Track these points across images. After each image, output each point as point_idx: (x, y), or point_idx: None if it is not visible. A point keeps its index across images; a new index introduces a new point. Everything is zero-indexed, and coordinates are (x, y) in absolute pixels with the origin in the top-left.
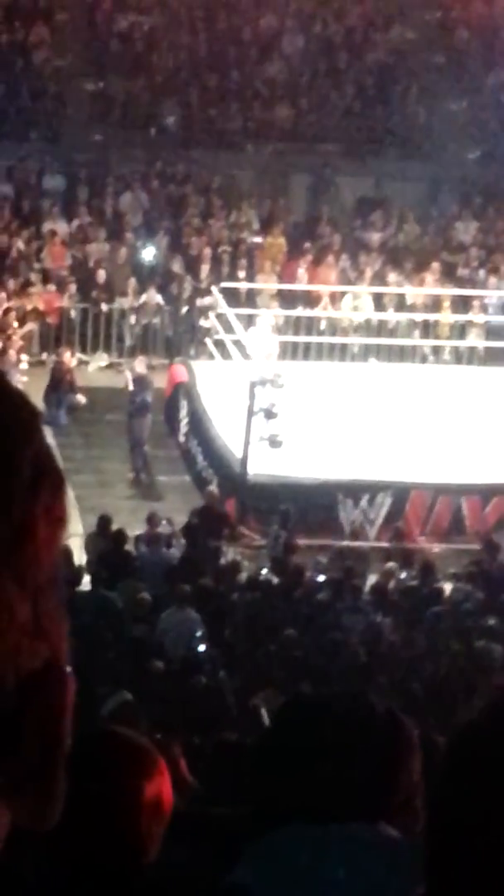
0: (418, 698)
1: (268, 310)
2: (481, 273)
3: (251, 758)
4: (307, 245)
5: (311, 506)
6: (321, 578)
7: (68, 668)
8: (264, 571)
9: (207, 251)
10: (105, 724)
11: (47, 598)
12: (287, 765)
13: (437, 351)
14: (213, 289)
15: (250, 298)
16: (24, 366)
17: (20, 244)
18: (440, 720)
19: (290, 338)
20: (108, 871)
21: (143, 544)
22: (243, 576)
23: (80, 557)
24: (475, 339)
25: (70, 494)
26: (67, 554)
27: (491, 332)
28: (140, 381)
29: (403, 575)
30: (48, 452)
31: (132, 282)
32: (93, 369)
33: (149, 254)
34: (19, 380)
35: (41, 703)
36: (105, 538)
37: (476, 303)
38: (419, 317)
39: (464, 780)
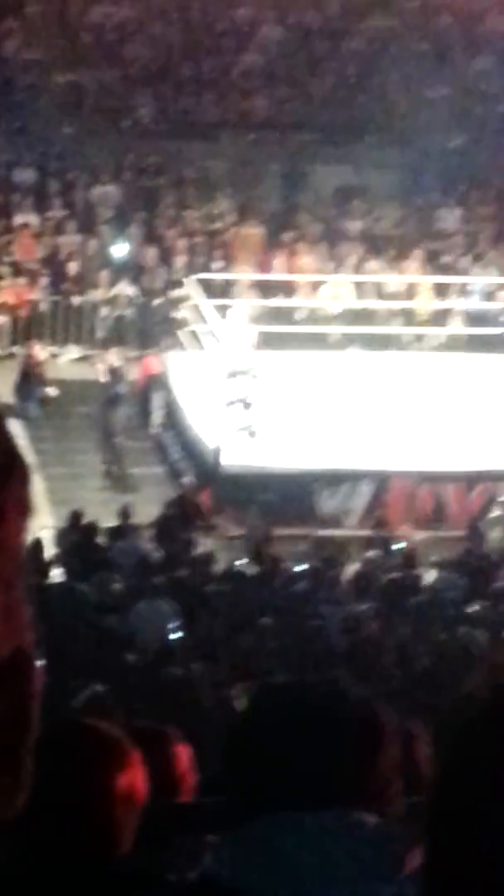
0: (400, 687)
1: (245, 300)
2: (464, 261)
3: (225, 747)
4: (285, 235)
5: (289, 495)
6: (299, 568)
7: (35, 657)
8: (238, 563)
9: (181, 242)
10: (77, 715)
11: (16, 586)
12: (261, 753)
13: (418, 338)
14: (186, 280)
15: (226, 289)
16: None
17: None
18: (423, 709)
19: (269, 327)
20: (80, 863)
21: (116, 536)
22: (219, 567)
23: (50, 550)
24: (456, 327)
25: (41, 487)
26: (38, 546)
27: (473, 319)
28: (113, 372)
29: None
30: (14, 444)
31: (104, 274)
32: (64, 362)
33: (121, 246)
34: None
35: (10, 689)
36: (76, 532)
37: (455, 289)
38: (399, 305)
39: (469, 760)
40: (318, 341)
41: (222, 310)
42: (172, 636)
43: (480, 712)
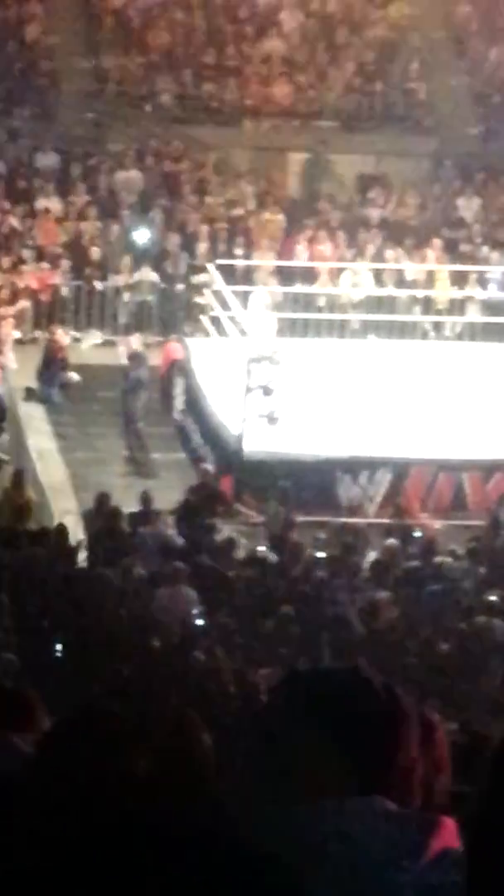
0: (419, 674)
1: (265, 286)
2: (484, 249)
3: (248, 733)
4: (305, 222)
5: (309, 482)
6: (320, 555)
7: None
8: (261, 549)
9: (203, 228)
10: (102, 699)
11: None
12: (284, 740)
13: (437, 327)
14: (209, 265)
15: (247, 275)
16: (13, 343)
17: (13, 221)
18: (442, 696)
19: (289, 314)
20: (99, 848)
21: (138, 522)
22: (240, 553)
23: (75, 535)
24: (475, 315)
25: (64, 472)
26: (63, 531)
27: (491, 307)
28: (135, 357)
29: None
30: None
31: (126, 259)
32: (86, 347)
33: (143, 232)
34: (11, 358)
35: None
36: (102, 516)
37: (473, 278)
38: (419, 293)
39: None
40: (338, 329)
41: (243, 296)
42: (196, 622)
43: None
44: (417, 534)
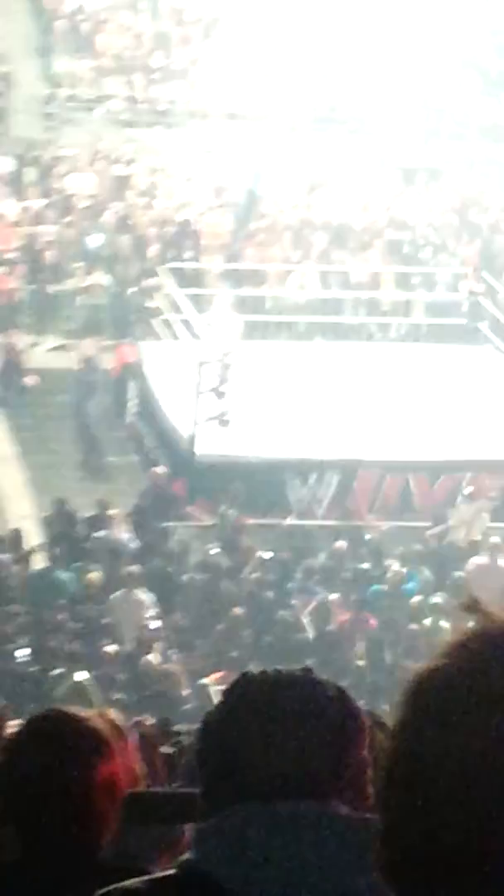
0: (369, 676)
1: (215, 289)
2: (427, 251)
3: (200, 736)
4: (252, 225)
5: (260, 485)
6: (267, 556)
7: None
8: (213, 551)
9: (153, 231)
10: (60, 704)
11: None
12: (236, 743)
13: (382, 328)
14: (160, 269)
15: (197, 278)
16: None
17: None
18: (392, 698)
19: (238, 316)
20: (62, 853)
21: (93, 526)
22: (193, 556)
23: (31, 539)
24: (419, 317)
25: (22, 476)
26: (17, 535)
27: (436, 309)
28: (88, 362)
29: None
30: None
31: (80, 263)
32: (42, 351)
33: (96, 236)
34: None
35: None
36: (60, 520)
37: (416, 280)
38: (364, 294)
39: (423, 723)
40: (286, 331)
41: (194, 299)
42: (151, 626)
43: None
44: (368, 536)
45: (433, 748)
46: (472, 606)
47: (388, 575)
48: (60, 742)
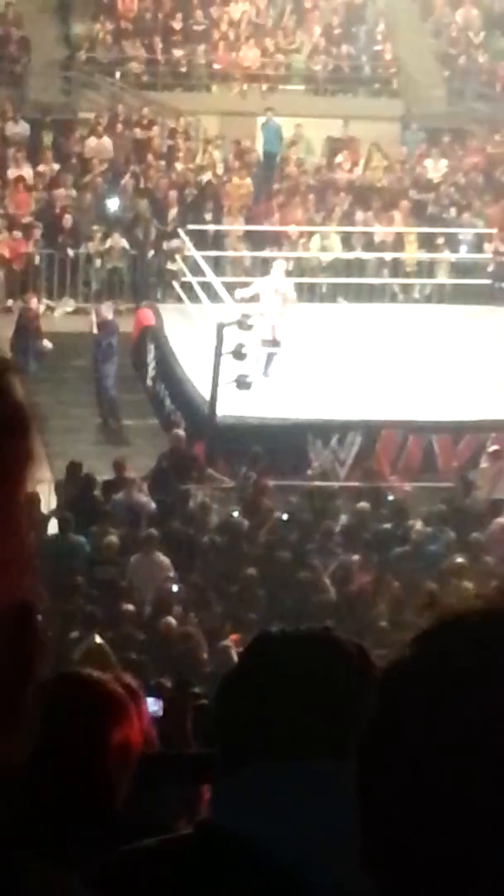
0: (390, 637)
1: (235, 251)
2: (452, 211)
3: (218, 695)
4: (274, 186)
5: (281, 447)
6: (285, 517)
7: (38, 609)
8: (235, 513)
9: (173, 194)
10: (76, 666)
11: (21, 538)
12: (254, 702)
13: (406, 289)
14: (180, 231)
15: (217, 240)
16: None
17: None
18: None
19: (259, 279)
20: (75, 815)
21: (111, 489)
22: (213, 518)
23: (48, 503)
24: (443, 277)
25: (38, 440)
26: (35, 499)
27: (460, 269)
28: (105, 325)
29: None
30: (18, 395)
31: (98, 226)
32: (59, 315)
33: (114, 199)
34: None
35: (12, 640)
36: (74, 484)
37: (440, 241)
38: (388, 256)
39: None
40: (308, 292)
41: (214, 261)
42: (172, 588)
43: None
44: (390, 497)
45: (401, 741)
46: (430, 604)
47: (412, 536)
48: (72, 705)
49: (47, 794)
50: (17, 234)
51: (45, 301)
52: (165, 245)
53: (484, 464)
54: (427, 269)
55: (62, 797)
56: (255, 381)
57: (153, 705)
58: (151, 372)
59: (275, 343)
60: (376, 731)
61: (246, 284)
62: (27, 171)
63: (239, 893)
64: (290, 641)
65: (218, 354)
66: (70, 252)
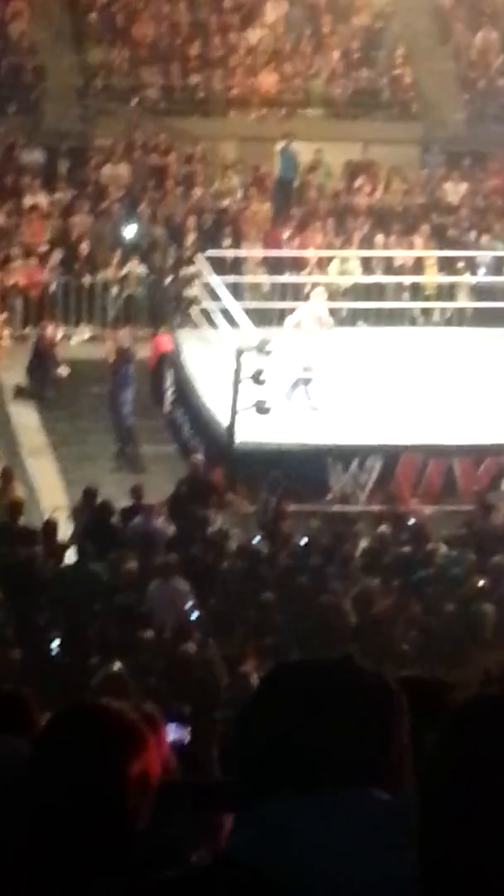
0: (410, 661)
1: (254, 276)
2: (472, 234)
3: (238, 725)
4: (293, 211)
5: (301, 471)
6: (305, 542)
7: None
8: (257, 539)
9: (191, 220)
10: (94, 694)
11: None
12: (275, 733)
13: (426, 313)
14: (198, 257)
15: (236, 266)
16: (6, 342)
17: (0, 219)
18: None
19: (278, 304)
20: (95, 846)
21: (129, 515)
22: (233, 544)
23: (65, 531)
24: (464, 301)
25: (55, 467)
26: (52, 527)
27: (480, 292)
28: (122, 353)
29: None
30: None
31: (116, 253)
32: (76, 342)
33: (132, 226)
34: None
35: None
36: (90, 510)
37: (461, 264)
38: (407, 279)
39: (459, 762)
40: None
41: (233, 287)
42: (191, 615)
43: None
44: (411, 521)
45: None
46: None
47: (434, 559)
48: (90, 736)
49: (66, 825)
50: (33, 261)
51: (62, 328)
52: (183, 271)
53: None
54: (447, 292)
55: (81, 829)
56: (275, 405)
57: (179, 732)
58: (170, 398)
59: (312, 369)
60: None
61: (291, 310)
62: (42, 199)
63: None
64: (309, 671)
65: (237, 380)
66: (87, 279)
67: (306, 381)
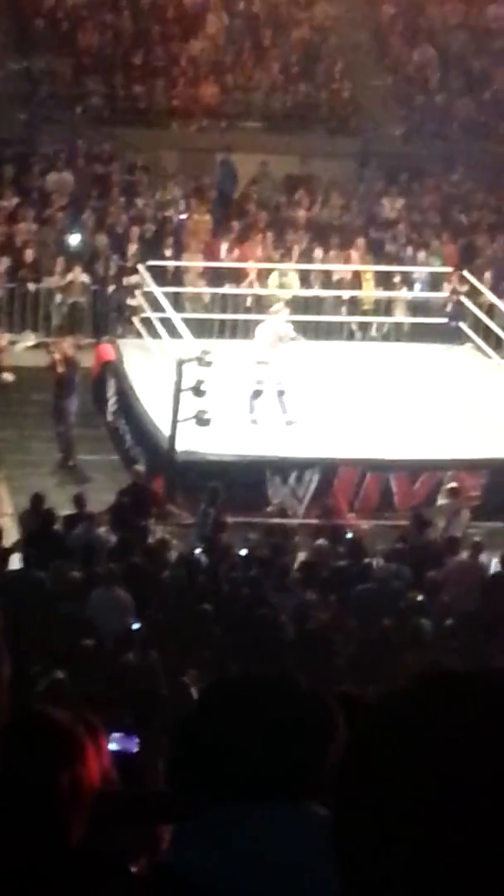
0: (347, 676)
1: (194, 287)
2: (409, 250)
3: (176, 737)
4: (234, 223)
5: (240, 483)
6: (244, 552)
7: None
8: (198, 551)
9: (134, 230)
10: (37, 702)
11: None
12: (213, 745)
13: (363, 327)
14: (140, 267)
15: (177, 277)
16: None
17: None
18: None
19: (217, 315)
20: (27, 857)
21: (72, 524)
22: (173, 554)
23: (9, 537)
24: (401, 316)
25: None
26: None
27: (417, 308)
28: (67, 361)
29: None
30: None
31: (60, 261)
32: (20, 349)
33: (76, 234)
34: None
35: None
36: (38, 516)
37: (398, 279)
38: (345, 294)
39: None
40: None
41: (173, 297)
42: (132, 625)
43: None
44: (349, 535)
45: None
46: None
47: (370, 573)
48: (29, 744)
49: (2, 834)
50: None
51: (6, 335)
52: (125, 280)
53: (442, 500)
54: (384, 307)
55: (16, 836)
56: (214, 417)
57: (125, 742)
58: (112, 407)
59: (283, 387)
60: (360, 772)
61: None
62: None
63: None
64: (248, 687)
65: (177, 391)
66: (31, 286)
67: (280, 394)
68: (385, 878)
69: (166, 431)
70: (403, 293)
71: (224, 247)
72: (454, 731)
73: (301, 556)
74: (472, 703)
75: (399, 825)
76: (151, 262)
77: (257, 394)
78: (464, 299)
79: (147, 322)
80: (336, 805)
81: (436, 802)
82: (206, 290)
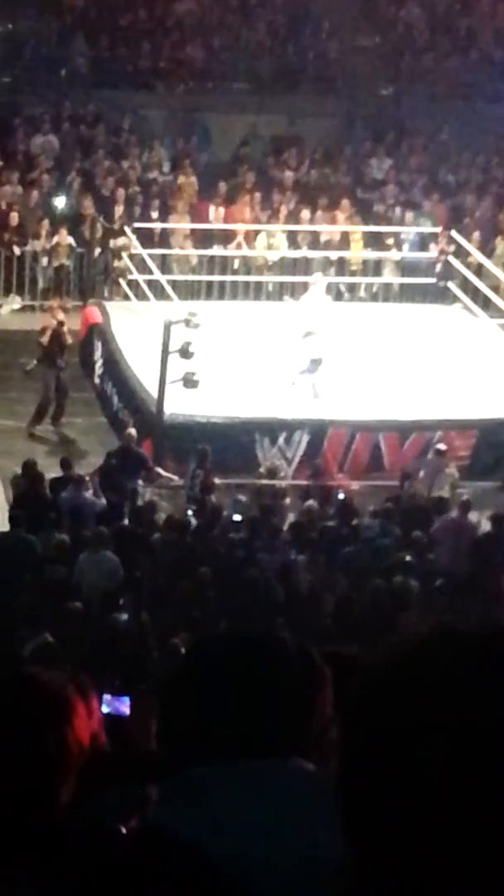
0: (336, 634)
1: (181, 249)
2: (397, 210)
3: (163, 696)
4: (221, 184)
5: (229, 445)
6: (237, 517)
7: None
8: (190, 512)
9: (120, 192)
10: (25, 664)
11: None
12: (199, 702)
13: (352, 288)
14: (126, 229)
15: (164, 239)
16: None
17: None
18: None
19: (205, 277)
20: (15, 820)
21: (59, 487)
22: (161, 516)
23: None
24: (390, 276)
25: None
26: None
27: (406, 268)
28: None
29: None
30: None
31: (45, 224)
32: (6, 312)
33: (61, 197)
34: None
35: None
36: (28, 480)
37: (390, 240)
38: (334, 254)
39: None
40: (254, 291)
41: (161, 259)
42: (118, 586)
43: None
44: (340, 495)
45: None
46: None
47: (360, 534)
48: (14, 706)
49: None
50: None
51: None
52: (112, 243)
53: (430, 462)
54: (373, 267)
55: (4, 798)
56: (203, 379)
57: (116, 704)
58: (99, 370)
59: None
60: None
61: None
62: None
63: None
64: (233, 644)
65: (165, 353)
66: (17, 250)
67: (313, 368)
68: (395, 827)
69: (154, 394)
70: (392, 253)
71: (211, 208)
72: (462, 687)
73: (291, 517)
74: (479, 660)
75: (411, 777)
76: (138, 224)
77: (316, 363)
78: (452, 259)
79: (134, 284)
80: (343, 759)
81: (446, 755)
82: (194, 252)
